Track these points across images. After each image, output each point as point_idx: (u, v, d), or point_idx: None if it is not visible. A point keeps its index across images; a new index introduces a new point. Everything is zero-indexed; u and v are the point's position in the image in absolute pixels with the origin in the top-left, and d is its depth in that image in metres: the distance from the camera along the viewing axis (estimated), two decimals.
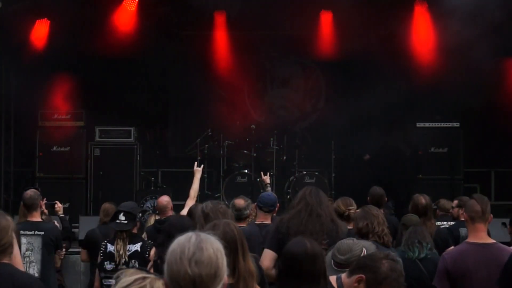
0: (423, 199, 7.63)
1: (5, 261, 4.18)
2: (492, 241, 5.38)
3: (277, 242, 5.74)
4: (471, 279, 5.21)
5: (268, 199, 6.88)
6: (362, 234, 5.80)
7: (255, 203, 7.21)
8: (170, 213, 8.41)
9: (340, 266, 4.31)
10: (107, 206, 8.95)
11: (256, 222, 6.87)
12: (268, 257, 5.81)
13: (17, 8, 12.79)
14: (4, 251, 4.16)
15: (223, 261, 2.62)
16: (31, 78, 14.02)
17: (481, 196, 5.60)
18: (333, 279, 3.98)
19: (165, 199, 8.68)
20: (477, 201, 5.44)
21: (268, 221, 6.80)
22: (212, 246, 2.61)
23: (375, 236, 5.78)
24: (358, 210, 6.47)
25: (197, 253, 2.56)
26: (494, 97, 14.13)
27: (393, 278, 3.70)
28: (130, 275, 2.65)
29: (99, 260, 6.90)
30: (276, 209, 6.87)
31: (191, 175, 8.70)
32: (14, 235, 4.21)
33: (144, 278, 2.65)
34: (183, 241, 2.59)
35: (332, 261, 4.43)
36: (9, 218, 4.25)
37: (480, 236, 5.35)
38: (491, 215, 5.48)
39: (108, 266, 6.78)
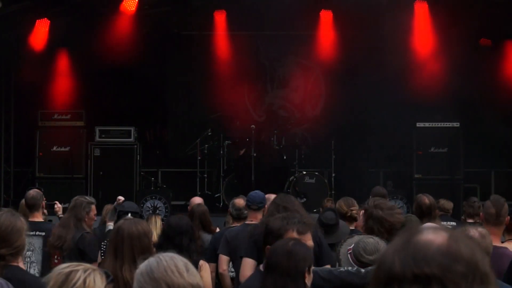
0: (426, 199, 7.24)
1: (15, 264, 4.03)
2: (498, 244, 5.07)
3: (254, 245, 5.47)
4: None
5: (256, 196, 6.71)
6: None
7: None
8: None
9: (367, 265, 4.24)
10: (110, 207, 8.94)
11: (246, 222, 6.71)
12: (247, 266, 5.49)
13: (17, 8, 12.77)
14: (16, 253, 4.02)
15: None
16: (31, 78, 14.03)
17: (498, 198, 5.45)
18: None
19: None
20: (492, 204, 5.33)
21: (258, 220, 6.40)
22: None
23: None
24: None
25: None
26: (494, 97, 14.12)
27: None
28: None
29: (99, 259, 6.88)
30: (266, 206, 6.51)
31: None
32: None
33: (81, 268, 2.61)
34: None
35: (353, 260, 4.38)
36: (23, 219, 4.11)
37: None
38: (508, 216, 5.34)
39: None
